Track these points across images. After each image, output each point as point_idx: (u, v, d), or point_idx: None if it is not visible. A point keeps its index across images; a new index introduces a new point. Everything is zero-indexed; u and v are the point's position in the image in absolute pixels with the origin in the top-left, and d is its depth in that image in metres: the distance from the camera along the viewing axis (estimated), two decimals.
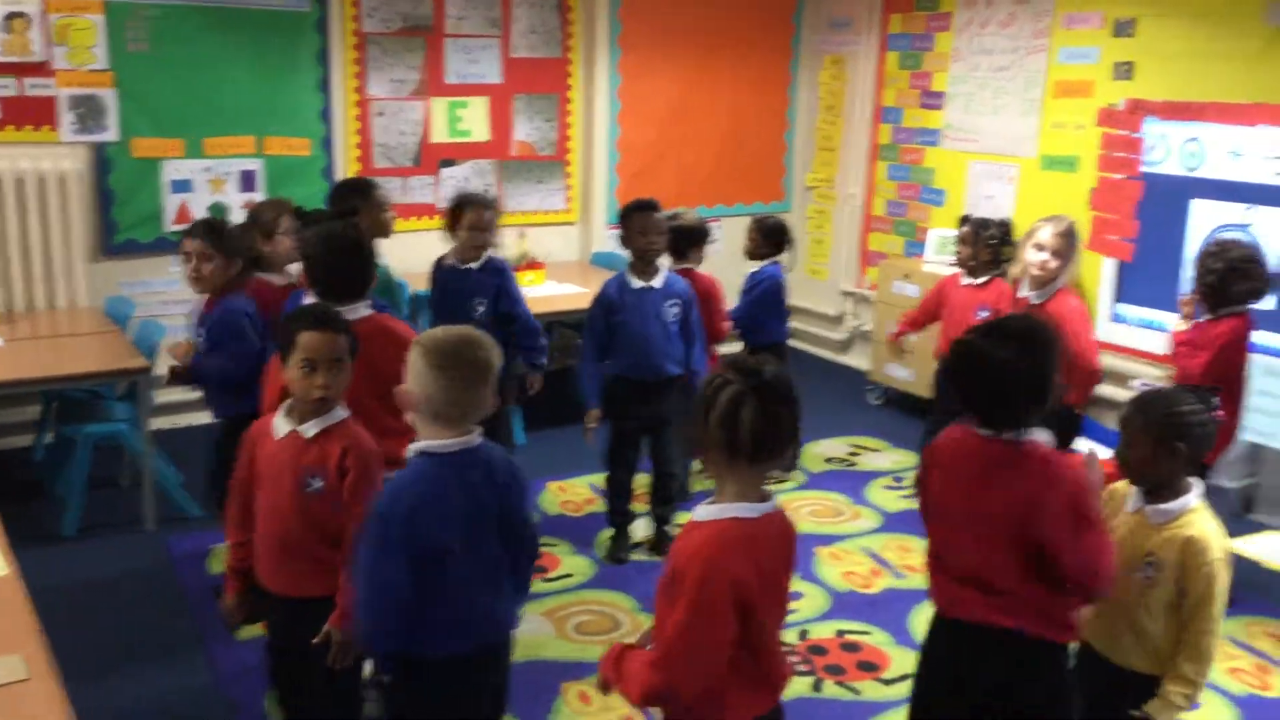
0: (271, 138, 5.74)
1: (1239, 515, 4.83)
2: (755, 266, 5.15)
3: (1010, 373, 2.33)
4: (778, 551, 2.15)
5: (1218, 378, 3.77)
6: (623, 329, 4.24)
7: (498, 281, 4.43)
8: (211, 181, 5.63)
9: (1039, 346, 2.36)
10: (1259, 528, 4.81)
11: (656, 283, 4.26)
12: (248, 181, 5.71)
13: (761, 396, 2.02)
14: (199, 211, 5.59)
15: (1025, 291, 4.55)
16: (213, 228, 3.84)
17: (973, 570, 2.44)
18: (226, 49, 5.54)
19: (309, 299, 3.18)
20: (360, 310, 3.12)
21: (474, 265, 4.41)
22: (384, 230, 4.33)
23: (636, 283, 4.26)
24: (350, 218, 3.92)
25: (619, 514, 4.46)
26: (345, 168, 5.94)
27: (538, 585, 4.16)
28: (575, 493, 5.06)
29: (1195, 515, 2.53)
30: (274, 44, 5.66)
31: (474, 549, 2.37)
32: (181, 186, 5.56)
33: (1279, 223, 4.69)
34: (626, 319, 4.24)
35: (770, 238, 5.15)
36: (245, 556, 2.77)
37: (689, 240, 4.73)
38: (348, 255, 3.17)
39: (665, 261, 4.41)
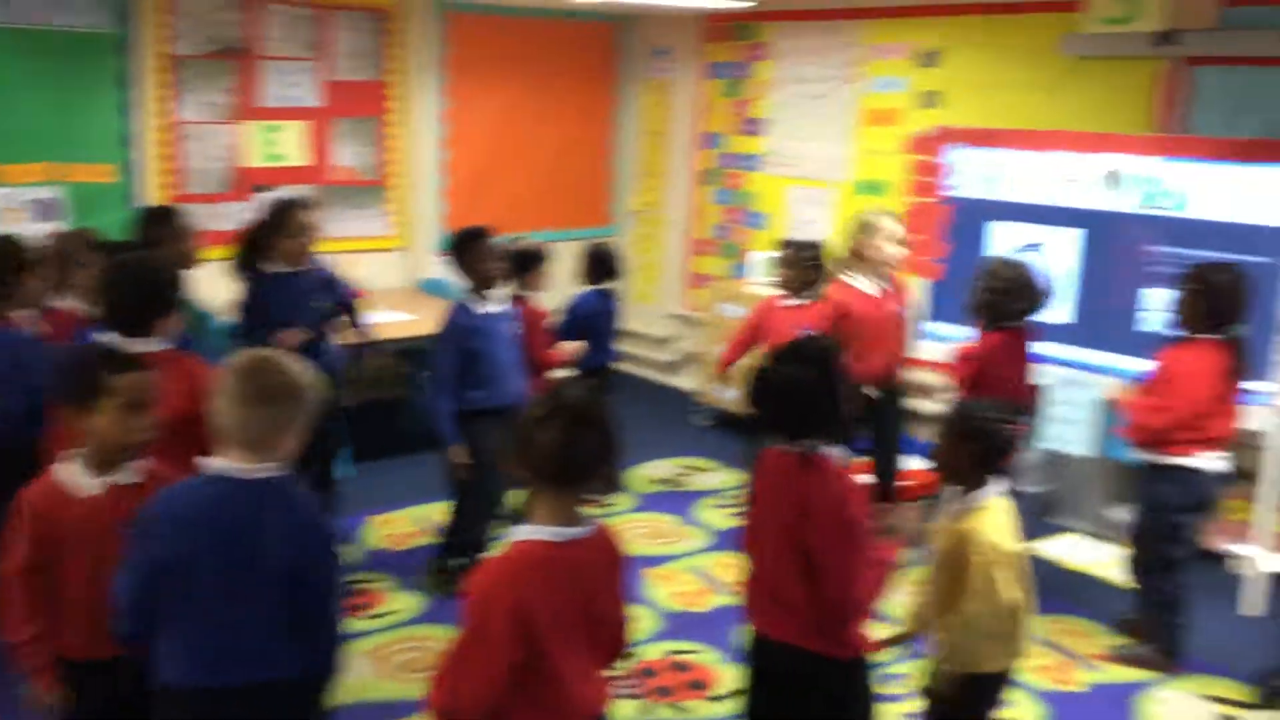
0: (72, 164, 5.43)
1: (1040, 519, 5.07)
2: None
3: (803, 389, 2.44)
4: (588, 577, 2.12)
5: (984, 387, 3.91)
6: (482, 357, 4.10)
7: (326, 275, 4.46)
8: (7, 210, 5.28)
9: (828, 364, 2.49)
10: (1058, 530, 5.08)
11: (501, 308, 4.21)
12: (47, 210, 5.39)
13: (564, 420, 2.04)
14: None
15: (877, 289, 4.63)
16: None
17: (767, 583, 2.50)
18: (18, 71, 5.22)
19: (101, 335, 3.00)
20: (152, 345, 2.96)
21: (304, 267, 4.34)
22: (186, 261, 4.14)
23: (486, 308, 4.17)
24: (154, 248, 3.75)
25: (473, 546, 4.25)
26: (153, 194, 5.67)
27: (359, 624, 4.02)
28: (398, 526, 4.93)
29: (982, 512, 2.66)
30: (71, 66, 5.37)
31: (229, 580, 2.20)
32: None
33: (1071, 242, 4.98)
34: (483, 346, 4.11)
35: (593, 264, 5.18)
36: (48, 643, 2.51)
37: (525, 265, 4.70)
38: (138, 287, 3.01)
39: (504, 288, 4.37)
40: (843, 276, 4.62)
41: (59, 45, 5.31)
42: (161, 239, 4.08)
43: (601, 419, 2.08)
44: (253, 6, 5.89)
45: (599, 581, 2.14)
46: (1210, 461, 3.71)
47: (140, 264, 3.11)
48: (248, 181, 6.01)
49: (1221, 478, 3.76)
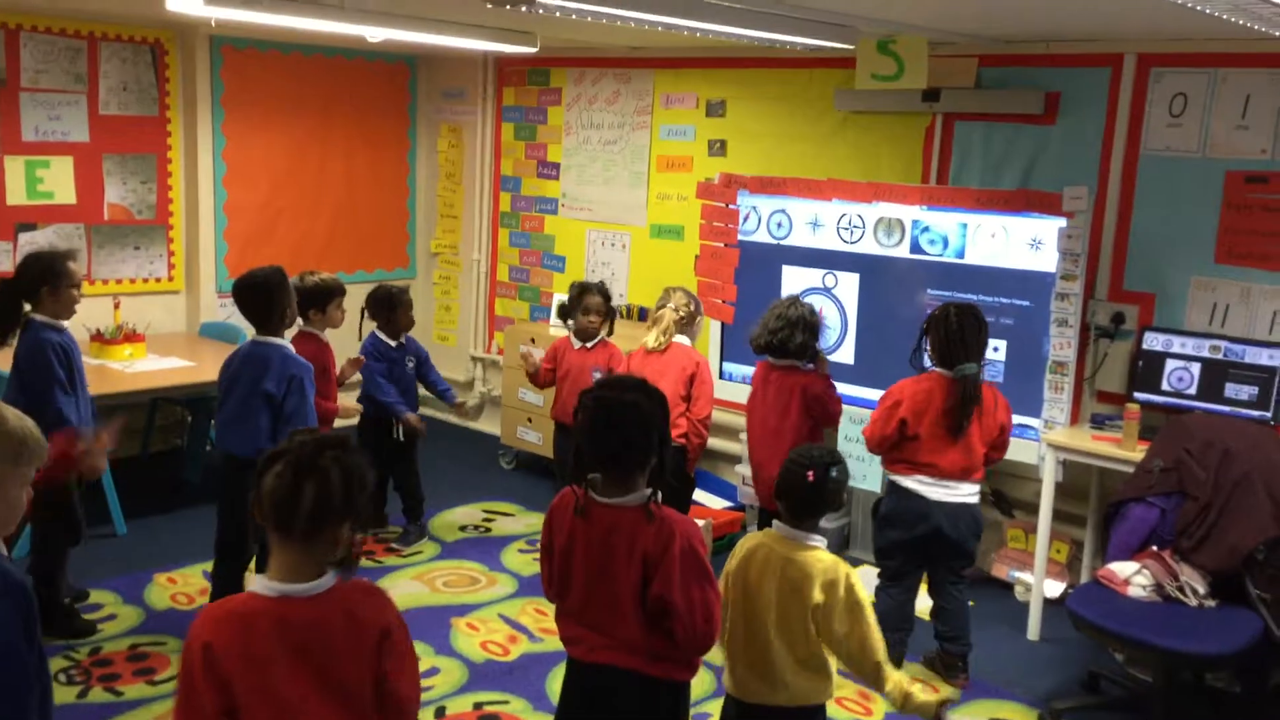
0: None
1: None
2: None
3: (636, 414, 2.51)
4: (316, 639, 1.96)
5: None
6: None
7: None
8: None
9: (654, 395, 2.59)
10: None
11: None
12: None
13: (286, 468, 1.95)
14: None
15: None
16: None
17: (593, 620, 2.57)
18: None
19: None
20: None
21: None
22: None
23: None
24: None
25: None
26: None
27: (142, 691, 3.77)
28: (188, 583, 4.65)
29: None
30: None
31: None
32: None
33: (854, 286, 5.25)
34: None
35: (375, 306, 5.12)
36: None
37: (308, 301, 4.57)
38: None
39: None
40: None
41: None
42: None
43: (325, 469, 1.94)
44: (13, 35, 5.50)
45: (336, 646, 1.97)
46: (925, 486, 3.97)
47: None
48: (11, 220, 5.59)
49: (942, 505, 3.96)
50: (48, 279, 3.95)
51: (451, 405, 5.35)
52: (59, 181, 5.77)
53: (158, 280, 6.22)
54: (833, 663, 2.79)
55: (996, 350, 4.76)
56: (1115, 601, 3.74)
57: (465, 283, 7.23)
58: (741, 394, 5.55)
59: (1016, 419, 4.23)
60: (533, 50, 5.59)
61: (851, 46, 4.67)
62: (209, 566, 4.70)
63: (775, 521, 2.85)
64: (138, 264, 6.13)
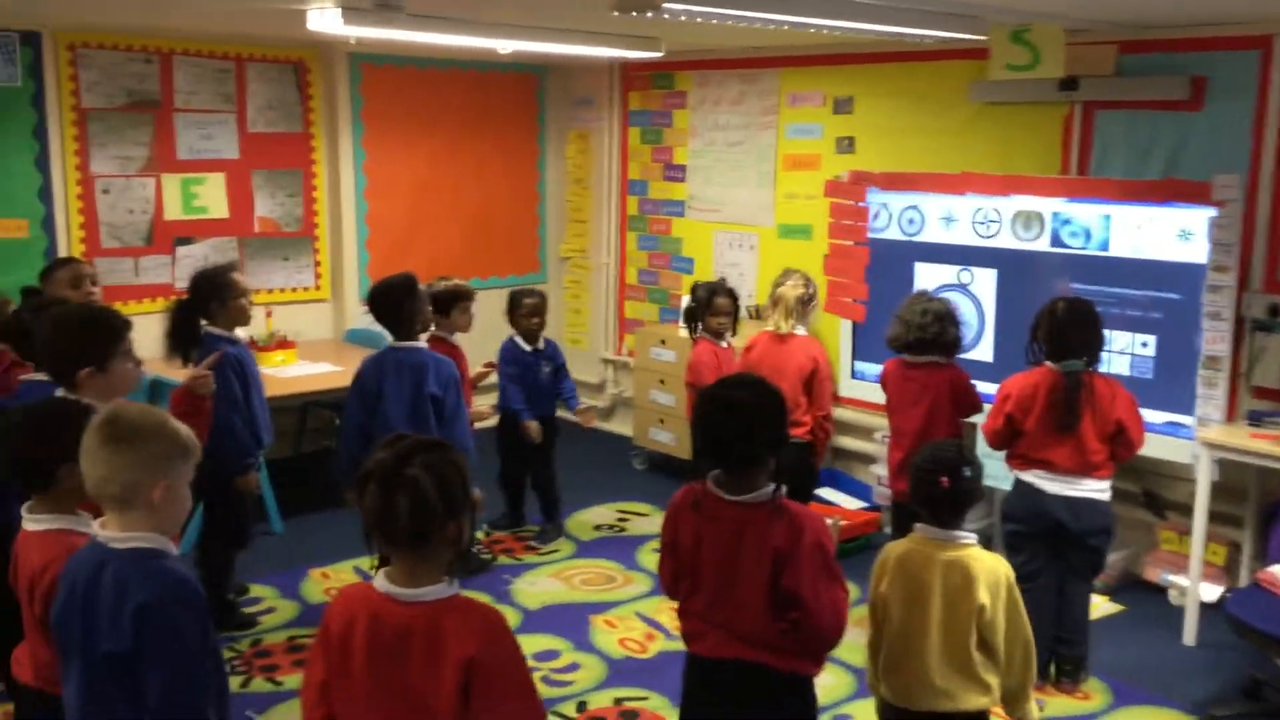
0: None
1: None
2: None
3: (751, 412, 2.53)
4: (402, 645, 1.98)
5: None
6: None
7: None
8: None
9: (771, 393, 2.60)
10: None
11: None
12: None
13: (374, 482, 1.96)
14: None
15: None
16: None
17: (720, 616, 2.59)
18: None
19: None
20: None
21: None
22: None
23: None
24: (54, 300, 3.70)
25: None
26: (69, 248, 5.54)
27: (300, 682, 3.93)
28: (340, 578, 4.85)
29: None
30: None
31: (77, 648, 2.17)
32: None
33: (991, 282, 5.15)
34: None
35: (507, 312, 5.29)
36: None
37: (437, 306, 4.74)
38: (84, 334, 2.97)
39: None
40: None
41: None
42: (61, 290, 4.02)
43: (413, 478, 1.92)
44: (167, 59, 5.82)
45: (410, 659, 1.97)
46: (1043, 480, 3.89)
47: (80, 311, 3.09)
48: (169, 234, 5.91)
49: (1060, 499, 3.88)
50: (216, 293, 4.16)
51: (571, 411, 5.41)
52: (212, 197, 6.08)
53: (305, 289, 6.50)
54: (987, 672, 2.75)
55: (1145, 346, 4.61)
56: (1278, 605, 3.58)
57: (595, 286, 7.34)
58: (873, 393, 5.49)
59: (1168, 416, 4.10)
60: (658, 55, 5.66)
61: (983, 37, 4.58)
62: (360, 562, 4.92)
63: (919, 525, 2.83)
64: (286, 274, 6.41)
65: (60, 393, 2.94)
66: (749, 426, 2.52)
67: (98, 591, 2.10)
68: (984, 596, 2.68)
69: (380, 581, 2.02)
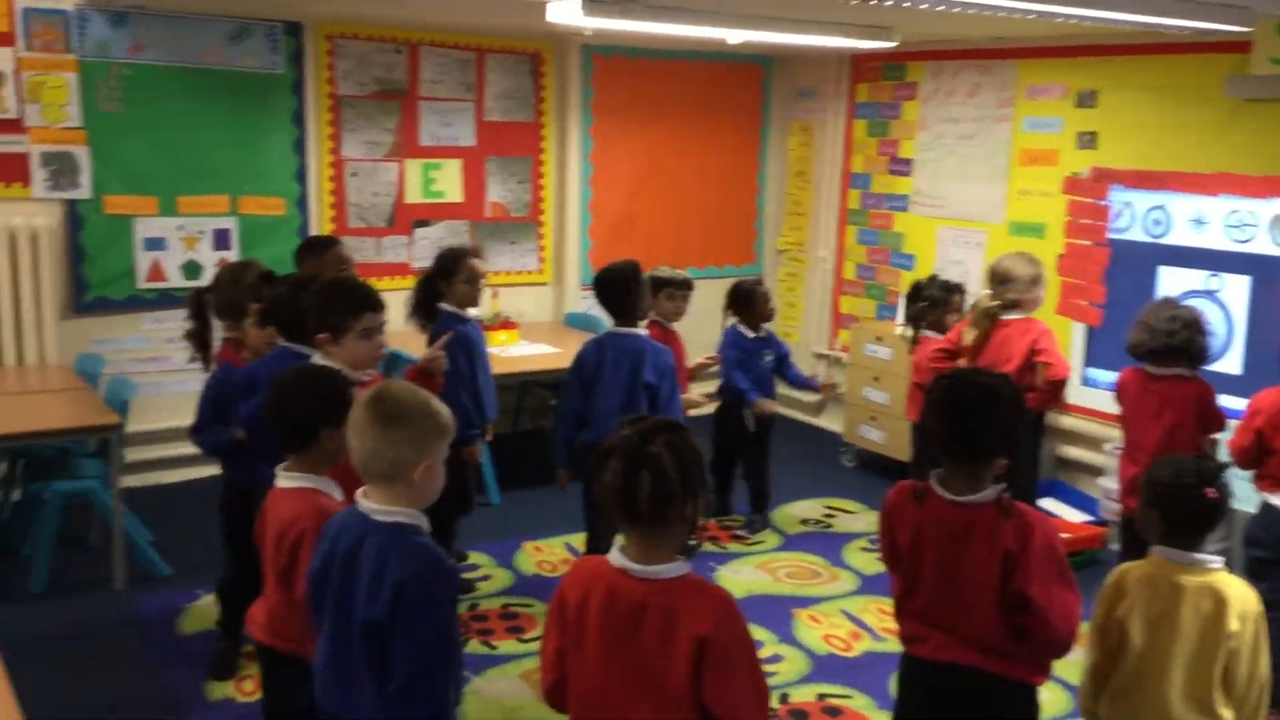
0: (246, 197, 5.73)
1: None
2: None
3: (997, 401, 2.47)
4: (644, 623, 2.05)
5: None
6: None
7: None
8: (185, 240, 5.61)
9: (1015, 388, 2.56)
10: None
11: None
12: (222, 240, 5.69)
13: (619, 459, 2.03)
14: (172, 269, 5.57)
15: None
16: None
17: (941, 618, 2.53)
18: (201, 109, 5.55)
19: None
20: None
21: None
22: None
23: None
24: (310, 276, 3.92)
25: None
26: (319, 227, 5.94)
27: (512, 647, 4.11)
28: (551, 553, 5.01)
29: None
30: (249, 105, 5.68)
31: (330, 609, 2.30)
32: (154, 244, 5.53)
33: (1243, 289, 4.80)
34: None
35: (729, 302, 5.33)
36: None
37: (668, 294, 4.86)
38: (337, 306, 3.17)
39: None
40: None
41: (237, 84, 5.63)
42: (318, 268, 4.26)
43: (656, 456, 1.99)
44: (414, 49, 6.14)
45: (645, 635, 2.03)
46: None
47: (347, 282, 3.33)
48: (409, 217, 6.25)
49: None
50: (447, 272, 4.39)
51: (817, 390, 5.43)
52: (449, 182, 6.39)
53: (529, 273, 6.74)
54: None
55: None
56: None
57: (811, 280, 7.27)
58: (1105, 402, 5.22)
59: None
60: (891, 45, 5.55)
61: (1246, 29, 4.27)
62: (570, 539, 5.07)
63: (1158, 547, 2.66)
64: (512, 257, 6.66)
65: (317, 358, 3.14)
66: (998, 415, 2.46)
67: (358, 560, 2.23)
68: (1234, 625, 2.51)
69: (615, 556, 2.08)
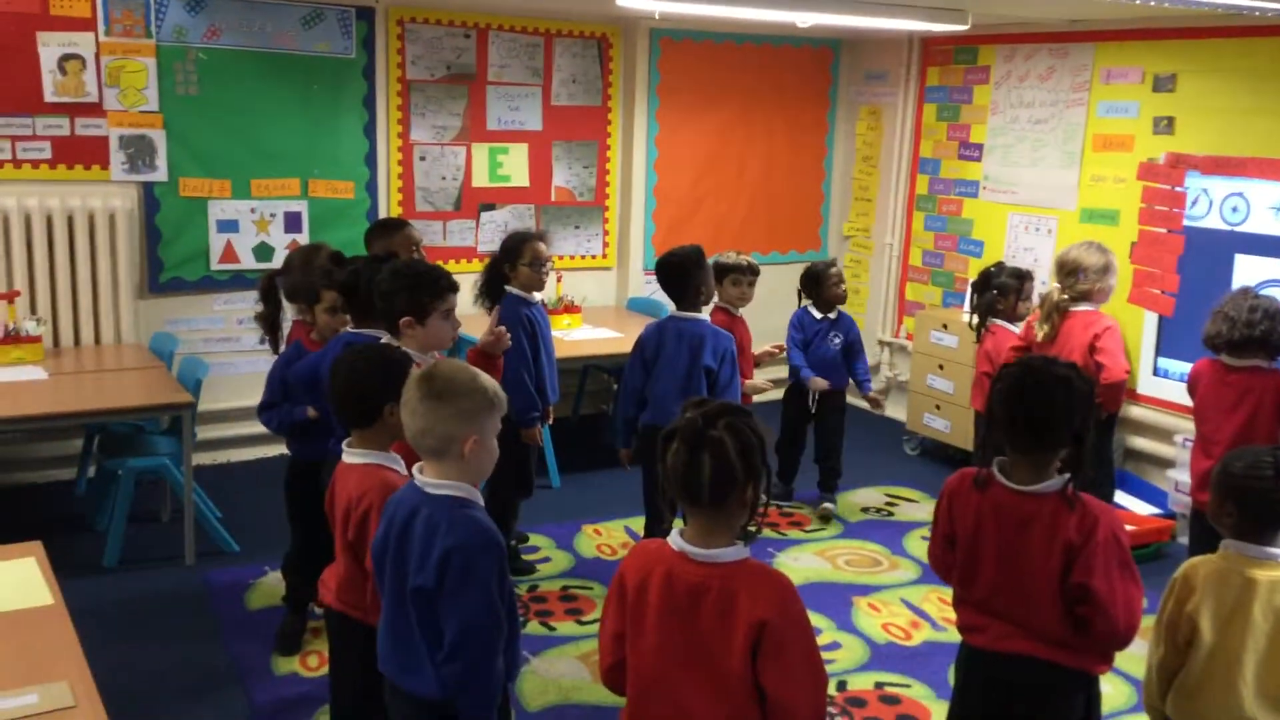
0: (316, 180, 5.82)
1: None
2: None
3: (1067, 390, 2.43)
4: (702, 607, 2.06)
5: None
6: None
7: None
8: (257, 222, 5.72)
9: (1086, 378, 2.51)
10: None
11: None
12: (293, 223, 5.80)
13: (680, 442, 2.04)
14: (244, 251, 5.68)
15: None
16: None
17: (1002, 608, 2.51)
18: (274, 93, 5.65)
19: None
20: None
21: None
22: None
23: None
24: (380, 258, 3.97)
25: None
26: (388, 211, 6.01)
27: (571, 629, 4.15)
28: (611, 536, 5.04)
29: None
30: (321, 89, 5.77)
31: (388, 580, 2.37)
32: (227, 226, 5.65)
33: None
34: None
35: (801, 282, 5.35)
36: None
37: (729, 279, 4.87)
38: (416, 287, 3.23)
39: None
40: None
41: (310, 68, 5.71)
42: (388, 250, 4.30)
43: (718, 439, 1.99)
44: (483, 34, 6.18)
45: (702, 618, 2.04)
46: None
47: (416, 265, 3.40)
48: (475, 200, 6.30)
49: None
50: (512, 255, 4.42)
51: (864, 395, 5.36)
52: (515, 166, 6.42)
53: (593, 257, 6.76)
54: None
55: None
56: None
57: (876, 266, 7.20)
58: (1177, 393, 5.12)
59: None
60: (963, 28, 5.45)
61: None
62: (630, 522, 5.10)
63: (1229, 541, 2.59)
64: (577, 241, 6.69)
65: (385, 339, 3.20)
66: (1067, 405, 2.42)
67: (411, 531, 2.30)
68: None
69: (676, 539, 2.10)
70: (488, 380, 2.35)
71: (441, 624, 2.25)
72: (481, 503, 2.35)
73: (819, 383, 5.19)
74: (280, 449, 4.10)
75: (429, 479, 2.31)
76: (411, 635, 2.31)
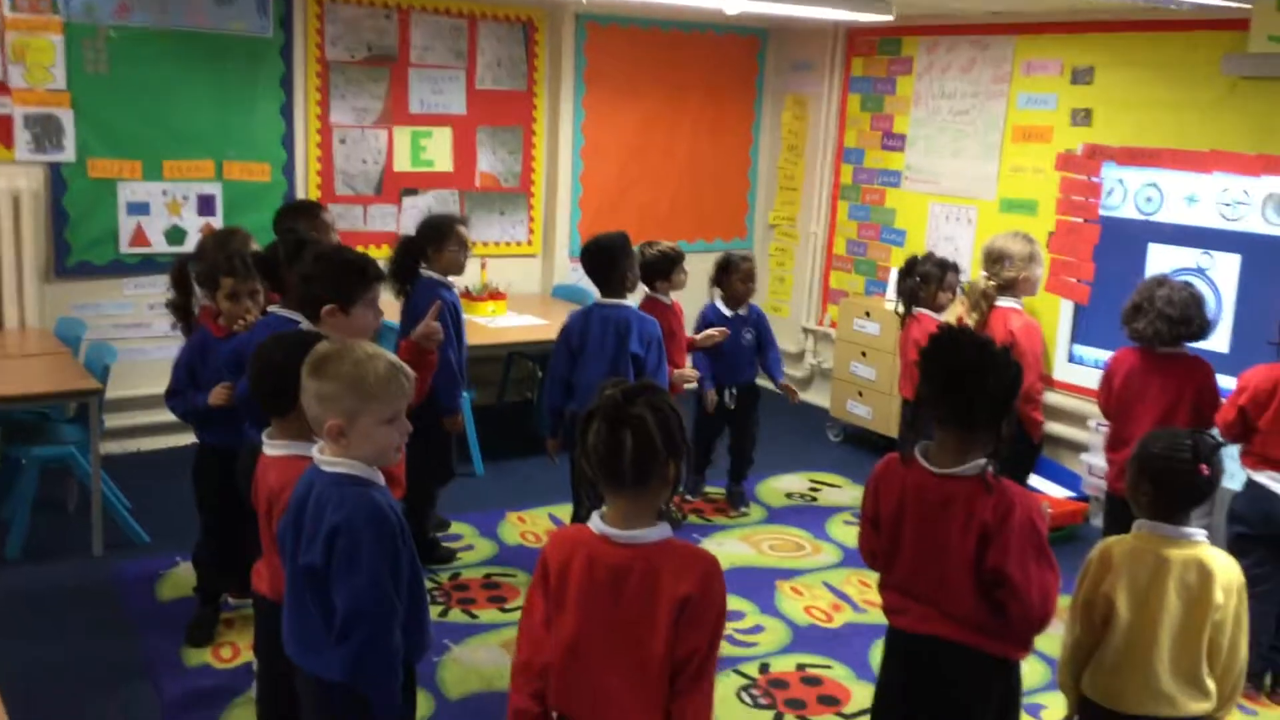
0: (231, 162, 5.67)
1: None
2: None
3: (995, 366, 2.42)
4: (629, 586, 2.06)
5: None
6: None
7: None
8: (169, 205, 5.55)
9: (1014, 360, 2.49)
10: None
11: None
12: (206, 205, 5.64)
13: (601, 421, 2.03)
14: (155, 234, 5.51)
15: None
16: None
17: (921, 591, 2.51)
18: (188, 73, 5.48)
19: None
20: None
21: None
22: None
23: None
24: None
25: None
26: (306, 194, 5.88)
27: (494, 616, 4.10)
28: (535, 524, 4.99)
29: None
30: (236, 69, 5.61)
31: (288, 559, 2.32)
32: (138, 209, 5.48)
33: (1233, 267, 4.78)
34: None
35: (713, 273, 5.22)
36: None
37: (661, 269, 4.76)
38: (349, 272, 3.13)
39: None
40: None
41: (225, 48, 5.56)
42: (322, 233, 4.21)
43: (639, 417, 1.99)
44: (405, 15, 6.07)
45: (627, 597, 2.04)
46: (1274, 482, 3.64)
47: (345, 252, 3.28)
48: (397, 185, 6.19)
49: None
50: (432, 239, 4.34)
51: (777, 385, 5.31)
52: (439, 150, 6.33)
53: (518, 244, 6.69)
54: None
55: None
56: None
57: (801, 255, 7.24)
58: (1092, 379, 5.22)
59: None
60: (888, 19, 5.49)
61: (1245, 5, 4.23)
62: (554, 510, 5.06)
63: (1143, 520, 2.63)
64: (501, 228, 6.61)
65: (305, 326, 3.10)
66: (986, 369, 2.41)
67: (305, 509, 2.26)
68: (1219, 597, 2.50)
69: (596, 523, 2.08)
70: (370, 368, 2.23)
71: (332, 602, 2.20)
72: (381, 482, 2.29)
73: (710, 401, 5.06)
74: (191, 437, 3.98)
75: (324, 457, 2.27)
76: (308, 613, 2.26)
